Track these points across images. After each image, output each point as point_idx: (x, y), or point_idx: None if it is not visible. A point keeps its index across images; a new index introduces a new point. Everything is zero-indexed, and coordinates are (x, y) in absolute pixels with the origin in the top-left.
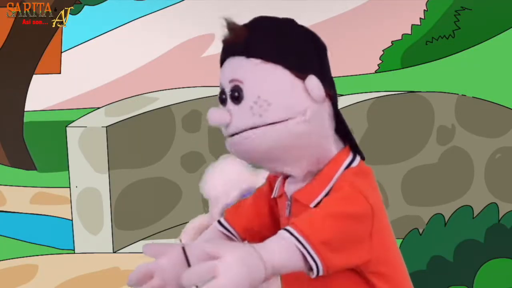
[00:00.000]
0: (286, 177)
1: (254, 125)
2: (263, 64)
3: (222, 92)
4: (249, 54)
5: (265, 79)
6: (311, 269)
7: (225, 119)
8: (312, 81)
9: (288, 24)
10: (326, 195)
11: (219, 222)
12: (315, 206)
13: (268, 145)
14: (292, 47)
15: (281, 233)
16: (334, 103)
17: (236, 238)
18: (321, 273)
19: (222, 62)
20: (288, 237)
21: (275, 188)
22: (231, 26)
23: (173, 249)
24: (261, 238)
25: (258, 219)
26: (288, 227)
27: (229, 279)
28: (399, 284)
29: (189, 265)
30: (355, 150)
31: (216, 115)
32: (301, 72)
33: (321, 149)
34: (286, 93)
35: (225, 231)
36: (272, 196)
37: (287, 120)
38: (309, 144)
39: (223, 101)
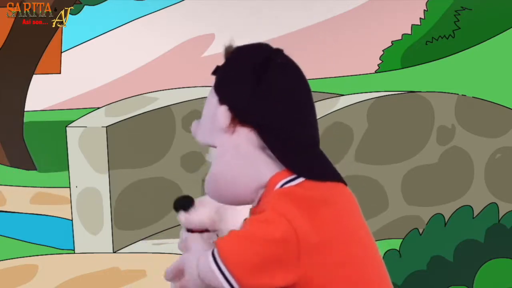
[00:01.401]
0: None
1: (196, 138)
2: (212, 89)
3: None
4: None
5: (207, 102)
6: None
7: (194, 129)
8: (219, 110)
9: (242, 53)
10: None
11: None
12: None
13: (213, 189)
14: (227, 78)
15: (208, 253)
16: (262, 131)
17: None
18: None
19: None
20: (209, 257)
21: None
22: (227, 50)
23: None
24: None
25: None
26: (214, 249)
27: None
28: None
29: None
30: (300, 169)
31: (194, 127)
32: (222, 102)
33: (253, 177)
34: (208, 118)
35: None
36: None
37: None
38: (235, 176)
39: None
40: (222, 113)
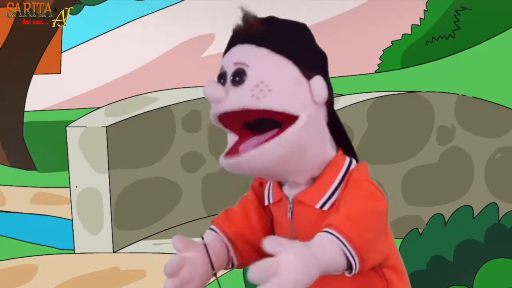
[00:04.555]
0: (279, 182)
1: (248, 106)
2: (273, 54)
3: (222, 74)
4: (260, 43)
5: (272, 67)
6: (348, 268)
7: (220, 93)
8: (319, 80)
9: (302, 27)
10: (332, 195)
11: (210, 229)
12: (321, 206)
13: (273, 162)
14: (303, 47)
15: (323, 234)
16: (330, 109)
17: (227, 245)
18: (355, 272)
19: (228, 49)
20: (331, 238)
21: (266, 196)
22: (247, 16)
23: (199, 246)
24: (251, 245)
25: (248, 225)
26: (329, 229)
27: (290, 276)
28: (405, 274)
29: (211, 263)
30: (352, 153)
31: (212, 88)
32: (308, 71)
33: (321, 152)
34: (290, 85)
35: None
36: (266, 204)
37: (282, 114)
38: (309, 149)
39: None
40: (323, 85)
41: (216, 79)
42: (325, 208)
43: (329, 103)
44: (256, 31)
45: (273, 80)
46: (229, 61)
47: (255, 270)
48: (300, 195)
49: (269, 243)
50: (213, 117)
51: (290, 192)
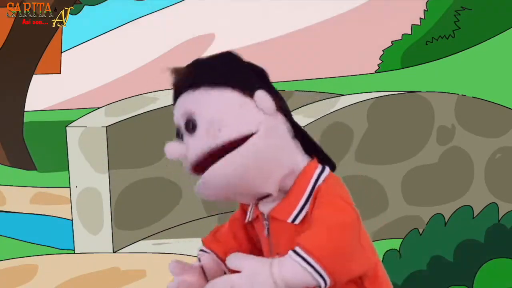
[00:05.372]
0: (258, 199)
1: (209, 148)
2: (210, 90)
3: (178, 130)
4: (195, 86)
5: (214, 102)
6: (320, 284)
7: (181, 151)
8: (261, 94)
9: (226, 55)
10: (302, 208)
11: (201, 250)
12: (293, 220)
13: (237, 173)
14: (234, 71)
15: (290, 253)
16: (288, 118)
17: (220, 264)
18: (328, 286)
19: (174, 104)
20: (295, 258)
21: (248, 213)
22: (175, 70)
23: (196, 269)
24: None
25: (236, 243)
26: (296, 248)
27: None
28: (387, 284)
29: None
30: (324, 160)
31: (172, 148)
32: (248, 90)
33: (287, 162)
34: (237, 111)
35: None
36: (246, 221)
37: (242, 139)
38: (273, 158)
39: (181, 139)
40: (266, 96)
41: (175, 137)
42: (297, 222)
43: (285, 114)
44: (188, 77)
45: (220, 113)
46: (178, 114)
47: (210, 286)
48: (273, 211)
49: (230, 260)
50: (188, 172)
51: (264, 209)
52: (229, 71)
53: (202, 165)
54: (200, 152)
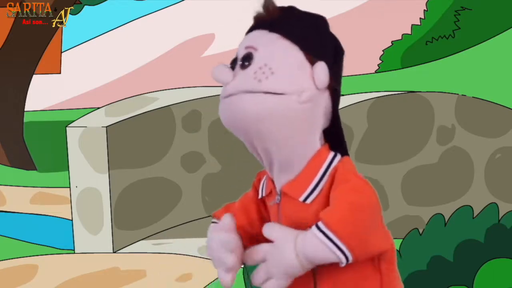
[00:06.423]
0: (270, 166)
1: (250, 88)
2: (282, 39)
3: (234, 59)
4: (272, 29)
5: (277, 51)
6: (341, 260)
7: (227, 77)
8: (321, 66)
9: (317, 17)
10: (315, 188)
11: (213, 222)
12: (304, 199)
13: (260, 112)
14: (313, 34)
15: (313, 229)
16: (334, 100)
17: None
18: (350, 262)
19: (246, 34)
20: (318, 234)
21: (260, 189)
22: (267, 3)
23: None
24: (250, 237)
25: (247, 218)
26: (318, 223)
27: (269, 265)
28: (397, 269)
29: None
30: (340, 148)
31: (219, 71)
32: (313, 57)
33: (309, 138)
34: (292, 69)
35: None
36: (259, 197)
37: (282, 94)
38: (299, 127)
39: (232, 68)
40: (325, 70)
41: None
42: (308, 201)
43: (334, 93)
44: (271, 18)
45: (276, 63)
46: (242, 46)
47: (248, 254)
48: (285, 186)
49: (264, 229)
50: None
51: (278, 184)
52: (308, 32)
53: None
54: (241, 88)
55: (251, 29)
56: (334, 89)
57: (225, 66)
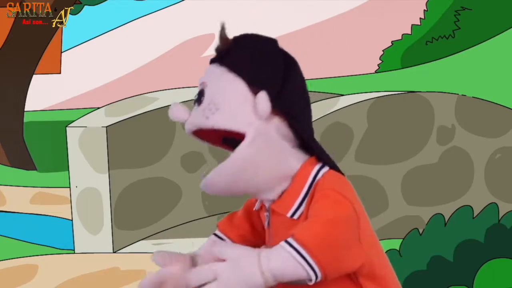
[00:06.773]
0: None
1: (200, 124)
2: (227, 73)
3: (196, 94)
4: (221, 62)
5: (223, 86)
6: (310, 277)
7: (183, 115)
8: (261, 96)
9: (266, 43)
10: (301, 203)
11: (214, 234)
12: (292, 215)
13: (227, 179)
14: (258, 63)
15: (282, 244)
16: (291, 122)
17: None
18: (319, 279)
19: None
20: (287, 248)
21: (257, 202)
22: (221, 35)
23: (184, 258)
24: (254, 247)
25: (251, 228)
26: (288, 239)
27: (223, 283)
28: (390, 285)
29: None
30: (325, 158)
31: (175, 111)
32: (256, 87)
33: (280, 167)
34: (237, 103)
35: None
36: (254, 209)
37: (232, 133)
38: (262, 163)
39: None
40: (265, 100)
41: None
42: (295, 217)
43: (287, 114)
44: (224, 50)
45: (221, 99)
46: (200, 80)
47: (194, 275)
48: (273, 204)
49: (215, 248)
50: (188, 133)
51: (266, 203)
52: (252, 62)
53: (208, 134)
54: (193, 125)
55: (210, 62)
56: (287, 111)
57: (179, 105)
